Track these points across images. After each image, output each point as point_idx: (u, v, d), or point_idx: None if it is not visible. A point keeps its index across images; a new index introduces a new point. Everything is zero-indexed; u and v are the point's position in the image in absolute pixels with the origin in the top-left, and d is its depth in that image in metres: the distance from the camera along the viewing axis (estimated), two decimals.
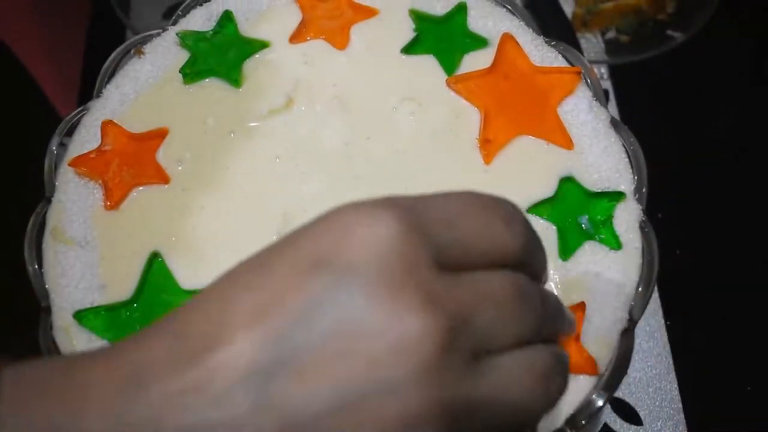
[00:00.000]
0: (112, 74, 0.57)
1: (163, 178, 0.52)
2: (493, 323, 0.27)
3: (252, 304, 0.25)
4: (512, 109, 0.53)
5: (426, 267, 0.25)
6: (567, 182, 0.50)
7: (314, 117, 0.54)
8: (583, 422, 0.43)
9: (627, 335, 0.45)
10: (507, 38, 0.56)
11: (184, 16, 0.60)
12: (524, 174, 0.51)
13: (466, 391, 0.25)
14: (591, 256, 0.47)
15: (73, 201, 0.51)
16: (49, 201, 0.51)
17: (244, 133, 0.54)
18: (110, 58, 0.57)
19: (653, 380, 0.64)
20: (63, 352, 0.45)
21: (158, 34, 0.59)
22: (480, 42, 0.57)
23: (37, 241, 0.49)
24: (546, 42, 0.57)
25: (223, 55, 0.57)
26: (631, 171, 0.51)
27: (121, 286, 0.47)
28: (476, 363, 0.26)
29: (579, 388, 0.43)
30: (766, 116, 0.83)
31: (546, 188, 0.50)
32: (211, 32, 0.59)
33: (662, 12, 0.87)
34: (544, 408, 0.29)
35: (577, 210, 0.49)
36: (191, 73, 0.56)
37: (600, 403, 0.43)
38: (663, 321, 0.68)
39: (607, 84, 0.82)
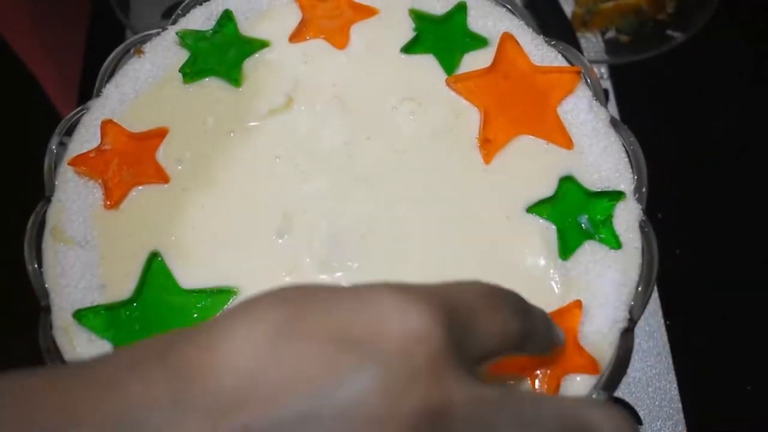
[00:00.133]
0: (111, 74, 0.57)
1: (162, 177, 0.52)
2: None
3: (276, 375, 0.25)
4: (512, 108, 0.53)
5: (449, 365, 0.26)
6: (567, 182, 0.50)
7: (314, 117, 0.54)
8: None
9: (627, 335, 0.45)
10: (507, 38, 0.56)
11: (183, 15, 0.60)
12: (524, 174, 0.51)
13: None
14: (591, 255, 0.47)
15: (73, 200, 0.51)
16: (48, 200, 0.51)
17: (244, 133, 0.54)
18: (110, 58, 0.57)
19: (653, 380, 0.64)
20: (63, 351, 0.45)
21: (158, 34, 0.59)
22: (480, 41, 0.57)
23: (37, 240, 0.49)
24: (546, 41, 0.57)
25: (222, 54, 0.57)
26: (630, 171, 0.51)
27: (121, 285, 0.47)
28: None
29: (579, 388, 0.43)
30: (766, 116, 0.83)
31: (546, 188, 0.50)
32: (210, 32, 0.59)
33: (662, 12, 0.87)
34: None
35: (577, 209, 0.49)
36: (191, 72, 0.56)
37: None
38: (663, 321, 0.68)
39: (607, 84, 0.82)
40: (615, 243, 0.48)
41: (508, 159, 0.52)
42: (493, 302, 0.31)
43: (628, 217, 0.49)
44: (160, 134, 0.53)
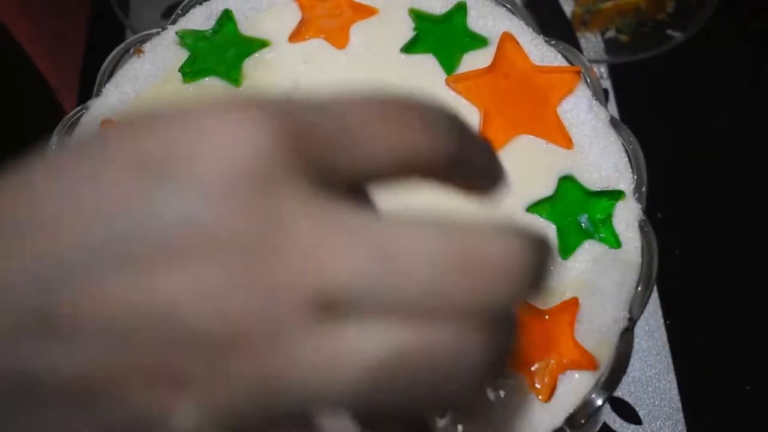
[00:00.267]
0: (111, 73, 0.57)
1: None
2: None
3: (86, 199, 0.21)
4: (512, 108, 0.53)
5: (279, 176, 0.22)
6: (566, 181, 0.50)
7: None
8: (583, 421, 0.43)
9: (626, 335, 0.45)
10: (507, 37, 0.56)
11: (183, 15, 0.60)
12: (524, 173, 0.51)
13: None
14: (590, 255, 0.48)
15: None
16: None
17: None
18: (110, 57, 0.57)
19: (652, 380, 0.64)
20: None
21: (158, 33, 0.59)
22: (480, 41, 0.57)
23: None
24: (546, 41, 0.57)
25: (222, 54, 0.57)
26: (630, 170, 0.51)
27: None
28: None
29: (578, 388, 0.43)
30: (766, 116, 0.83)
31: (545, 187, 0.50)
32: (210, 31, 0.59)
33: (662, 11, 0.87)
34: None
35: (577, 209, 0.49)
36: (191, 72, 0.56)
37: (599, 402, 0.43)
38: (662, 321, 0.68)
39: (606, 83, 0.82)
40: (615, 242, 0.48)
41: (508, 159, 0.51)
42: (388, 112, 0.25)
43: (627, 217, 0.49)
44: None
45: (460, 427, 0.43)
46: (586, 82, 0.54)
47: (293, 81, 0.56)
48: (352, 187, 0.25)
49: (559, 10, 0.81)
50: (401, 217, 0.23)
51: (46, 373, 0.20)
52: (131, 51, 0.58)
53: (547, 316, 0.45)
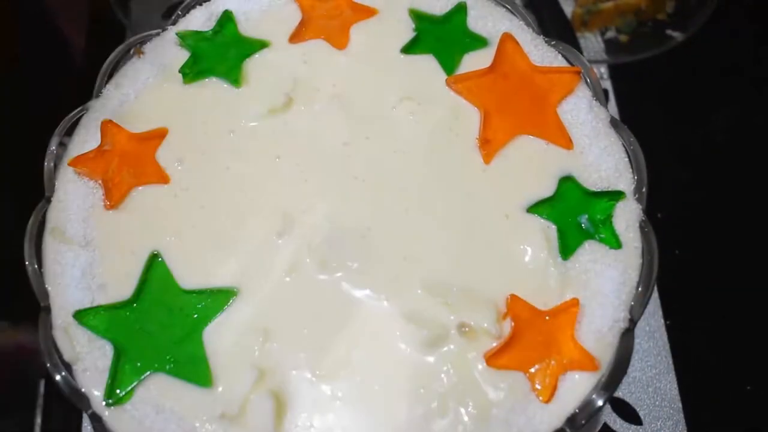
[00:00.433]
0: (111, 74, 0.57)
1: (162, 177, 0.52)
2: None
3: None
4: (512, 108, 0.53)
5: None
6: (567, 182, 0.50)
7: (314, 117, 0.54)
8: (583, 422, 0.43)
9: (627, 335, 0.45)
10: (507, 38, 0.56)
11: (183, 15, 0.60)
12: (524, 173, 0.51)
13: None
14: (591, 255, 0.48)
15: (73, 200, 0.51)
16: (48, 200, 0.51)
17: (244, 133, 0.54)
18: (110, 58, 0.57)
19: (653, 380, 0.64)
20: (62, 351, 0.45)
21: (158, 34, 0.59)
22: (480, 42, 0.57)
23: (37, 240, 0.49)
24: (546, 42, 0.57)
25: (223, 54, 0.57)
26: (630, 170, 0.51)
27: (121, 286, 0.47)
28: None
29: (579, 388, 0.43)
30: (765, 116, 0.83)
31: (546, 188, 0.50)
32: (211, 32, 0.59)
33: (662, 12, 0.87)
34: None
35: (577, 209, 0.49)
36: (191, 72, 0.56)
37: (600, 402, 0.43)
38: (663, 321, 0.68)
39: (606, 84, 0.82)
40: (615, 243, 0.48)
41: (508, 159, 0.52)
42: None
43: (628, 217, 0.49)
44: (160, 134, 0.53)
45: (460, 428, 0.43)
46: (586, 82, 0.54)
47: (293, 81, 0.56)
48: None
49: (559, 11, 0.81)
50: None
51: None
52: (131, 52, 0.58)
53: (547, 317, 0.45)
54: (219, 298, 0.47)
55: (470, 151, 0.52)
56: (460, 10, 0.59)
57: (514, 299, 0.45)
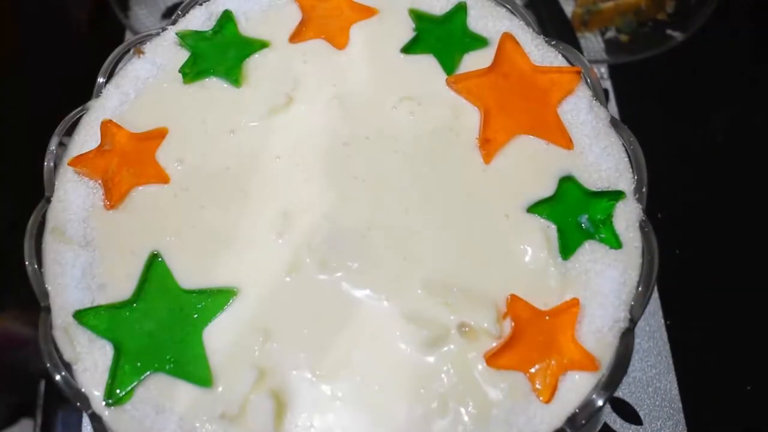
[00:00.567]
0: (111, 74, 0.57)
1: (162, 177, 0.52)
2: None
3: None
4: (512, 108, 0.53)
5: None
6: (567, 182, 0.50)
7: (314, 116, 0.54)
8: (583, 422, 0.43)
9: (627, 335, 0.45)
10: (507, 38, 0.56)
11: (183, 15, 0.60)
12: (524, 173, 0.51)
13: None
14: (591, 255, 0.48)
15: (73, 200, 0.51)
16: (48, 200, 0.51)
17: (244, 133, 0.54)
18: (110, 58, 0.57)
19: (653, 380, 0.64)
20: (62, 351, 0.45)
21: (158, 34, 0.59)
22: (480, 41, 0.57)
23: (37, 240, 0.49)
24: (546, 41, 0.57)
25: (222, 54, 0.57)
26: (631, 170, 0.51)
27: (121, 285, 0.47)
28: None
29: (579, 388, 0.43)
30: (765, 116, 0.83)
31: (546, 188, 0.50)
32: (211, 32, 0.59)
33: (662, 12, 0.87)
34: None
35: (577, 209, 0.49)
36: (191, 72, 0.56)
37: (600, 402, 0.43)
38: (663, 321, 0.68)
39: (607, 84, 0.82)
40: (615, 242, 0.48)
41: (508, 159, 0.52)
42: None
43: (628, 217, 0.49)
44: (160, 134, 0.53)
45: (460, 428, 0.43)
46: (587, 82, 0.54)
47: (293, 81, 0.56)
48: None
49: (559, 10, 0.81)
50: None
51: None
52: (131, 51, 0.58)
53: (547, 317, 0.45)
54: (219, 298, 0.47)
55: (470, 150, 0.52)
56: (460, 10, 0.59)
57: (514, 299, 0.45)
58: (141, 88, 0.56)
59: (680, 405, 0.63)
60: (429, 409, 0.43)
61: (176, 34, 0.58)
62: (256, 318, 0.46)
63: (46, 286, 0.47)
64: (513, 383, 0.44)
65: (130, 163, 0.52)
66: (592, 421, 0.58)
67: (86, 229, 0.50)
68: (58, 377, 0.44)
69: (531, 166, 0.51)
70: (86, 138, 0.54)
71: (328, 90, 0.55)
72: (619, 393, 0.64)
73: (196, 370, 0.44)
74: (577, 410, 0.43)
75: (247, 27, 0.59)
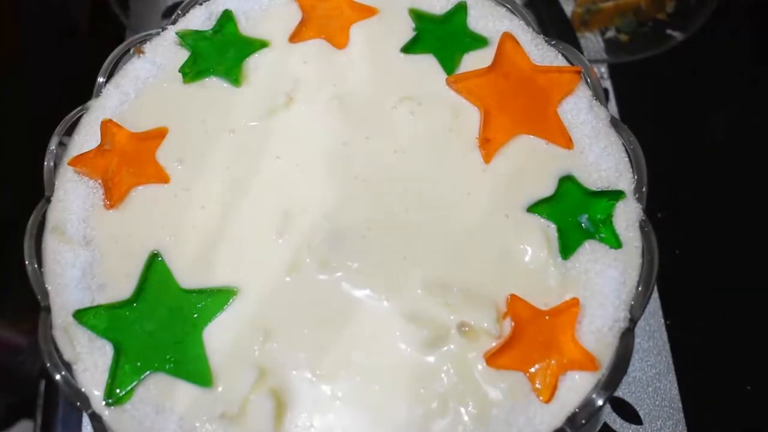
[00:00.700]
0: (111, 73, 0.57)
1: (162, 177, 0.51)
2: None
3: None
4: (512, 108, 0.53)
5: None
6: (567, 181, 0.50)
7: (314, 116, 0.54)
8: (583, 421, 0.43)
9: (627, 335, 0.45)
10: (507, 37, 0.56)
11: (183, 15, 0.60)
12: (524, 173, 0.51)
13: None
14: (591, 254, 0.48)
15: (73, 200, 0.51)
16: (48, 200, 0.51)
17: (244, 133, 0.54)
18: (110, 58, 0.57)
19: (653, 380, 0.64)
20: (62, 351, 0.45)
21: (158, 34, 0.59)
22: (480, 41, 0.57)
23: (37, 240, 0.49)
24: (546, 41, 0.57)
25: (222, 54, 0.57)
26: (631, 170, 0.51)
27: (121, 285, 0.47)
28: None
29: (579, 388, 0.43)
30: (765, 116, 0.83)
31: (546, 187, 0.50)
32: (210, 31, 0.59)
33: (662, 11, 0.87)
34: None
35: (577, 209, 0.49)
36: (191, 72, 0.56)
37: (600, 402, 0.43)
38: (663, 321, 0.68)
39: (607, 83, 0.82)
40: (615, 242, 0.48)
41: (508, 158, 0.52)
42: None
43: (628, 217, 0.49)
44: (160, 134, 0.53)
45: (460, 428, 0.43)
46: (587, 82, 0.54)
47: (293, 81, 0.56)
48: None
49: (559, 10, 0.81)
50: None
51: None
52: (131, 51, 0.58)
53: (547, 317, 0.45)
54: (219, 297, 0.47)
55: (470, 150, 0.52)
56: (461, 10, 0.59)
57: (514, 299, 0.45)
58: (141, 87, 0.56)
59: (680, 405, 0.63)
60: (429, 409, 0.43)
61: (176, 33, 0.58)
62: (256, 318, 0.46)
63: (46, 285, 0.47)
64: (513, 383, 0.44)
65: (130, 163, 0.52)
66: (592, 421, 0.58)
67: (86, 229, 0.50)
68: (58, 377, 0.44)
69: (531, 166, 0.51)
70: (86, 138, 0.54)
71: (328, 90, 0.55)
72: (619, 393, 0.64)
73: (196, 370, 0.44)
74: (577, 410, 0.43)
75: (247, 27, 0.59)
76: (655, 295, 0.69)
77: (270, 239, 0.49)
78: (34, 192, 0.51)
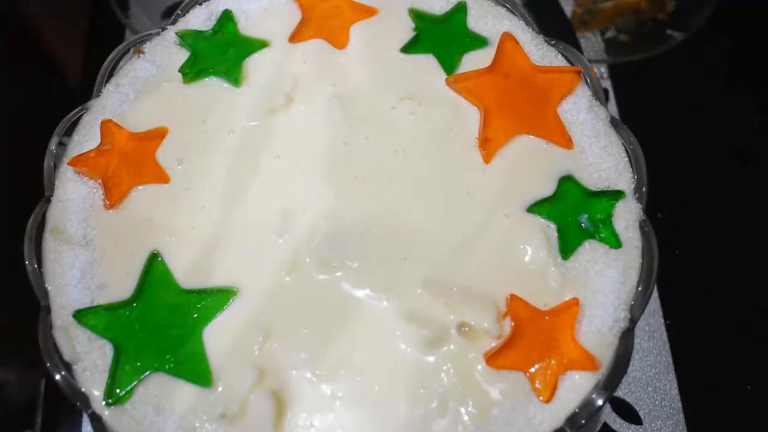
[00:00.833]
0: (111, 73, 0.57)
1: (162, 177, 0.52)
2: None
3: None
4: (512, 108, 0.53)
5: None
6: (567, 181, 0.50)
7: (314, 116, 0.54)
8: (583, 421, 0.43)
9: (627, 335, 0.45)
10: (507, 37, 0.56)
11: (183, 15, 0.60)
12: (524, 173, 0.51)
13: None
14: (591, 254, 0.48)
15: (73, 200, 0.51)
16: (48, 200, 0.51)
17: (244, 133, 0.54)
18: (110, 58, 0.57)
19: (653, 379, 0.64)
20: (62, 351, 0.45)
21: (158, 34, 0.59)
22: (480, 41, 0.57)
23: (37, 240, 0.49)
24: (546, 41, 0.57)
25: (222, 54, 0.57)
26: (630, 170, 0.51)
27: (121, 285, 0.47)
28: None
29: (579, 388, 0.43)
30: (765, 115, 0.83)
31: (546, 187, 0.50)
32: (210, 31, 0.59)
33: (662, 11, 0.87)
34: None
35: (577, 209, 0.49)
36: (191, 72, 0.56)
37: (600, 402, 0.43)
38: (663, 320, 0.68)
39: (606, 83, 0.83)
40: (615, 242, 0.48)
41: (508, 158, 0.52)
42: None
43: (628, 217, 0.49)
44: (160, 134, 0.53)
45: (460, 428, 0.43)
46: (586, 82, 0.54)
47: (293, 81, 0.56)
48: None
49: (559, 10, 0.81)
50: None
51: None
52: (131, 51, 0.58)
53: (547, 317, 0.45)
54: (219, 297, 0.47)
55: (470, 150, 0.52)
56: (460, 10, 0.59)
57: (514, 299, 0.45)
58: (141, 87, 0.56)
59: (680, 405, 0.63)
60: (429, 409, 0.43)
61: (176, 33, 0.58)
62: (256, 318, 0.46)
63: (46, 285, 0.47)
64: (513, 383, 0.44)
65: (130, 163, 0.52)
66: (592, 421, 0.58)
67: (86, 229, 0.50)
68: (58, 377, 0.44)
69: (531, 166, 0.51)
70: (86, 138, 0.54)
71: (327, 90, 0.55)
72: (619, 393, 0.64)
73: (196, 370, 0.44)
74: (577, 410, 0.43)
75: (247, 26, 0.59)
76: (655, 295, 0.69)
77: (270, 239, 0.49)
78: (34, 192, 0.51)
